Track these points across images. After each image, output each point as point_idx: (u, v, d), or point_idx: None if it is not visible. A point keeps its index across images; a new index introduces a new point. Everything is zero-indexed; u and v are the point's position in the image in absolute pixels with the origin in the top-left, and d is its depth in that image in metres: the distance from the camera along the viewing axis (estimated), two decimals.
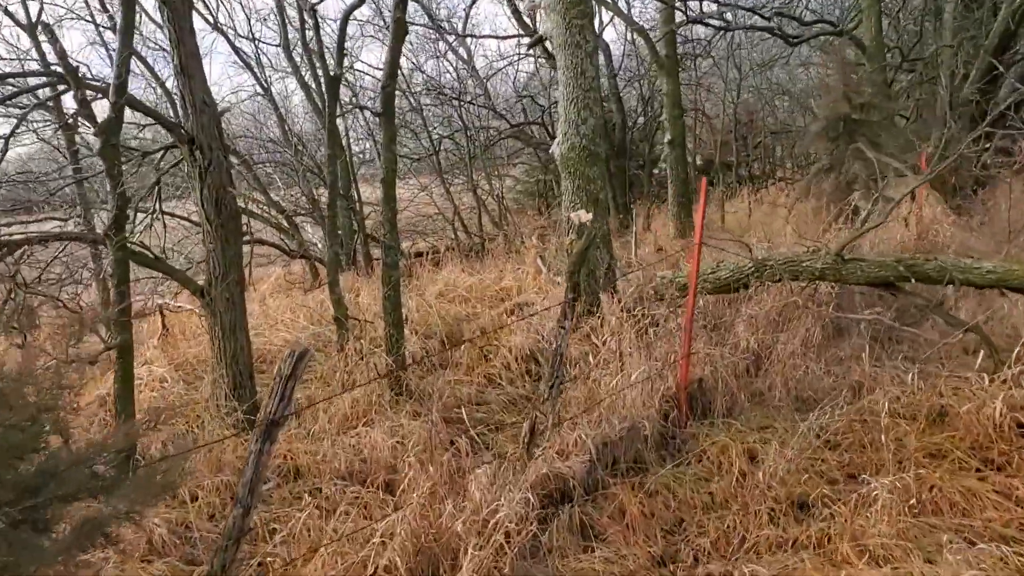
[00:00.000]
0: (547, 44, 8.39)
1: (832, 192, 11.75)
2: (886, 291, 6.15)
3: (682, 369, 5.35)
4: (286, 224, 12.84)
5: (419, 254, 14.97)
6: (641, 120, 18.13)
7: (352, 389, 5.67)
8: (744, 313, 6.38)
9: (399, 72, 22.08)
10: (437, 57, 16.07)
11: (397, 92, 16.48)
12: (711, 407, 5.54)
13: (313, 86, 11.55)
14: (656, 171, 19.63)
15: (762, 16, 12.33)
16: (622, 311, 6.89)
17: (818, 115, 12.60)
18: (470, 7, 17.78)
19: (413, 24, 16.09)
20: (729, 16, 14.16)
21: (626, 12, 14.09)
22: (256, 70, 13.08)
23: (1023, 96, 12.10)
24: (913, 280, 5.77)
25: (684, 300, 6.77)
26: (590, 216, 7.58)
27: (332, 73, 5.79)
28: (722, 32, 14.96)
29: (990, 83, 11.93)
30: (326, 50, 8.89)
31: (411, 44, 17.23)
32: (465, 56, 17.14)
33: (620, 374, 5.45)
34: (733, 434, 5.12)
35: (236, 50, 12.59)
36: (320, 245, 13.11)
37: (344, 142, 13.56)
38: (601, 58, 15.56)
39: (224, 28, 12.55)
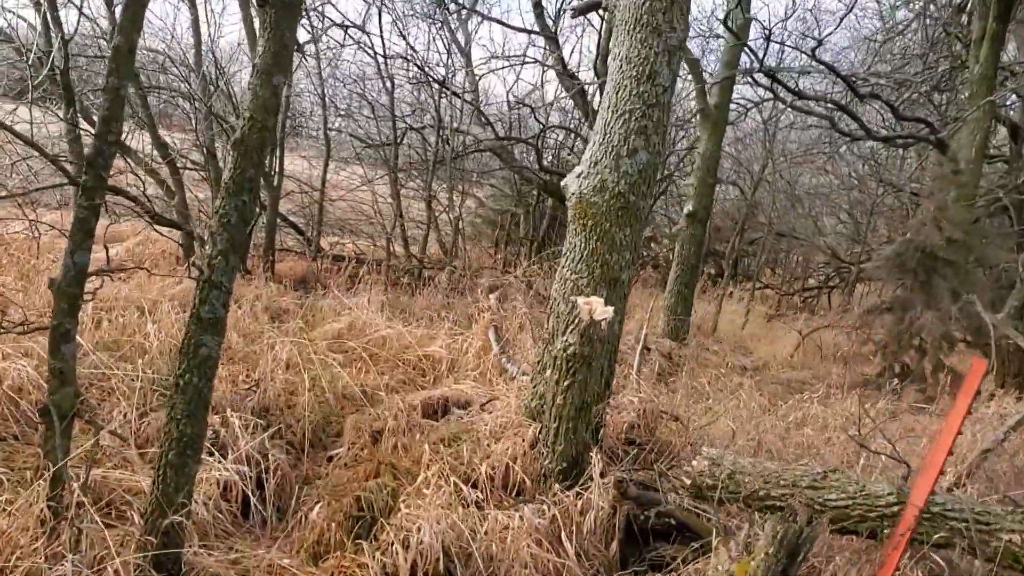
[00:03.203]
0: (600, 17, 5.25)
1: (887, 340, 8.86)
2: None
3: None
4: (170, 177, 9.42)
5: (338, 259, 11.68)
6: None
7: None
8: None
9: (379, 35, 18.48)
10: (426, 18, 12.76)
11: (365, 56, 13.36)
12: None
13: None
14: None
15: (856, 92, 9.45)
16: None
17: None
18: None
19: None
20: (803, 82, 11.36)
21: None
22: None
23: None
24: None
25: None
26: (610, 312, 4.46)
27: None
28: (774, 100, 12.07)
29: None
30: None
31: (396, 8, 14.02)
32: (462, 40, 13.98)
33: None
34: None
35: None
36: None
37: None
38: None
39: None
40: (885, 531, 3.41)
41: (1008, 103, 12.89)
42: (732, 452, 4.47)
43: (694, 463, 3.92)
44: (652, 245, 17.94)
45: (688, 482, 3.88)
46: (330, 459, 4.73)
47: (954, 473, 4.80)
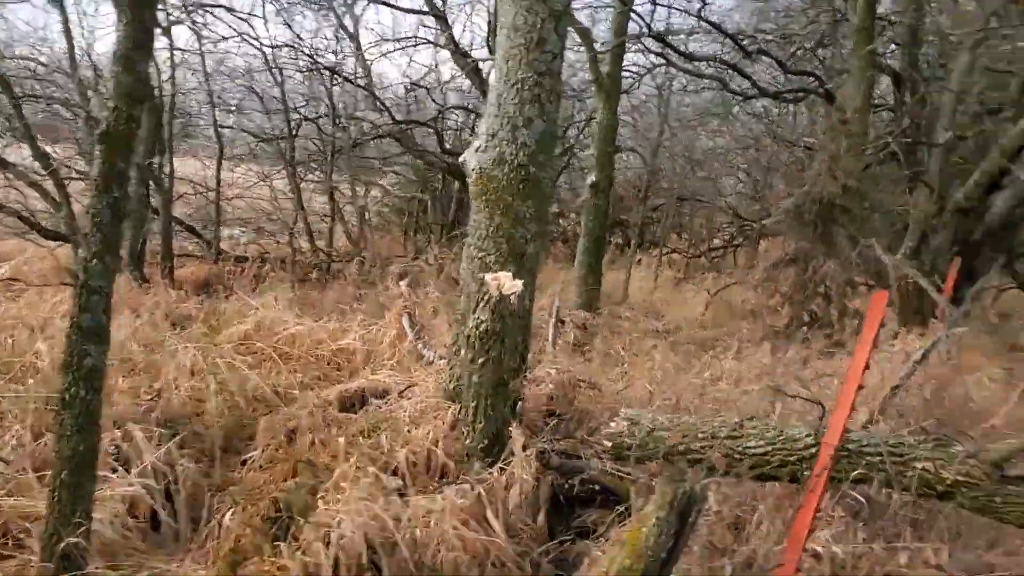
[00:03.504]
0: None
1: (793, 292, 9.07)
2: None
3: None
4: (53, 189, 8.95)
5: (241, 259, 11.35)
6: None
7: None
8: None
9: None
10: (311, 4, 12.42)
11: (251, 50, 12.94)
12: None
13: None
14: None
15: (744, 50, 9.62)
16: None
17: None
18: None
19: None
20: (693, 45, 11.48)
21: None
22: None
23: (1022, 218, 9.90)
24: None
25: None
26: (519, 285, 4.41)
27: None
28: (666, 66, 12.21)
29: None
30: None
31: None
32: (350, 25, 13.69)
33: None
34: None
35: None
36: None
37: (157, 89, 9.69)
38: None
39: None
40: (805, 474, 3.46)
41: (889, 51, 13.27)
42: (651, 411, 4.49)
43: (612, 424, 3.91)
44: (560, 220, 18.00)
45: (609, 444, 3.86)
46: (244, 463, 4.56)
47: (867, 411, 4.92)
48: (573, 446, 4.35)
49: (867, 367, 2.25)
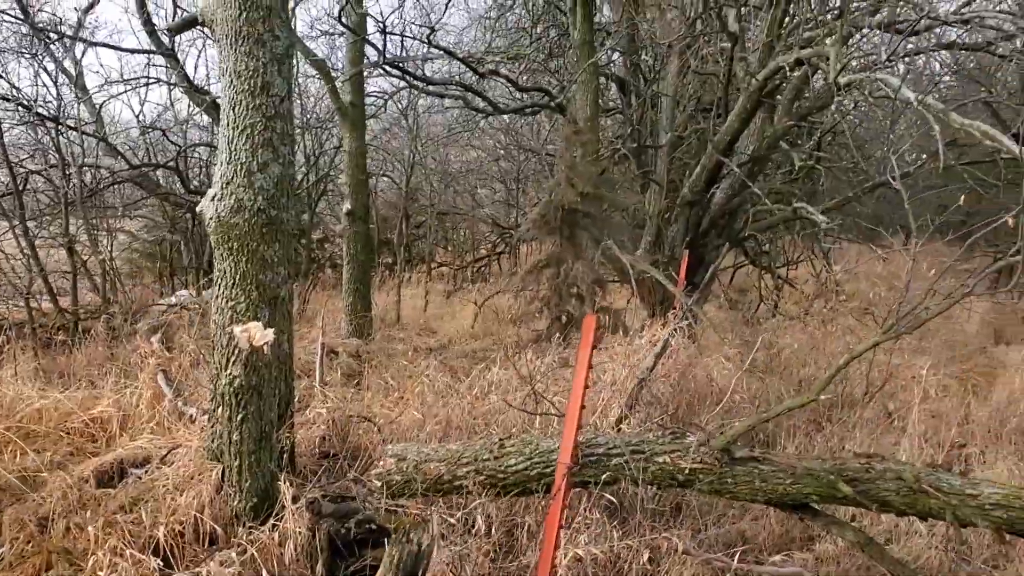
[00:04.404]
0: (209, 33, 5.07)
1: (549, 295, 9.50)
2: (793, 513, 3.64)
3: None
4: None
5: None
6: (309, 179, 14.91)
7: None
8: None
9: None
10: (28, 55, 11.53)
11: None
12: None
13: None
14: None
15: (476, 71, 9.96)
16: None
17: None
18: (87, 10, 13.45)
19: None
20: (432, 67, 11.73)
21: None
22: None
23: (740, 204, 10.98)
24: (872, 506, 3.32)
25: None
26: (270, 335, 4.34)
27: None
28: (409, 88, 12.41)
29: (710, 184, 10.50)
30: None
31: None
32: (72, 70, 12.81)
33: None
34: None
35: None
36: None
37: None
38: None
39: None
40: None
41: (614, 59, 14.19)
42: (419, 442, 4.59)
43: (380, 464, 3.97)
44: (326, 245, 17.81)
45: (379, 484, 3.91)
46: None
47: (619, 406, 5.28)
48: (346, 487, 4.35)
49: (587, 387, 2.44)
